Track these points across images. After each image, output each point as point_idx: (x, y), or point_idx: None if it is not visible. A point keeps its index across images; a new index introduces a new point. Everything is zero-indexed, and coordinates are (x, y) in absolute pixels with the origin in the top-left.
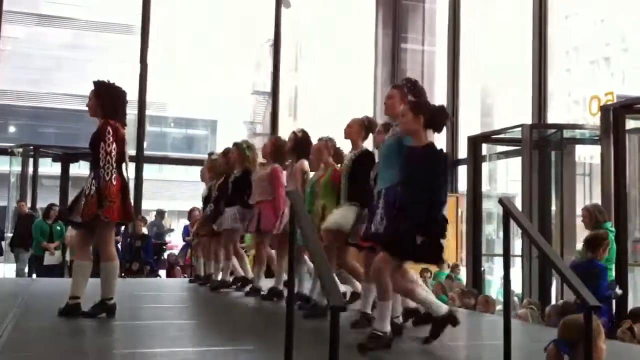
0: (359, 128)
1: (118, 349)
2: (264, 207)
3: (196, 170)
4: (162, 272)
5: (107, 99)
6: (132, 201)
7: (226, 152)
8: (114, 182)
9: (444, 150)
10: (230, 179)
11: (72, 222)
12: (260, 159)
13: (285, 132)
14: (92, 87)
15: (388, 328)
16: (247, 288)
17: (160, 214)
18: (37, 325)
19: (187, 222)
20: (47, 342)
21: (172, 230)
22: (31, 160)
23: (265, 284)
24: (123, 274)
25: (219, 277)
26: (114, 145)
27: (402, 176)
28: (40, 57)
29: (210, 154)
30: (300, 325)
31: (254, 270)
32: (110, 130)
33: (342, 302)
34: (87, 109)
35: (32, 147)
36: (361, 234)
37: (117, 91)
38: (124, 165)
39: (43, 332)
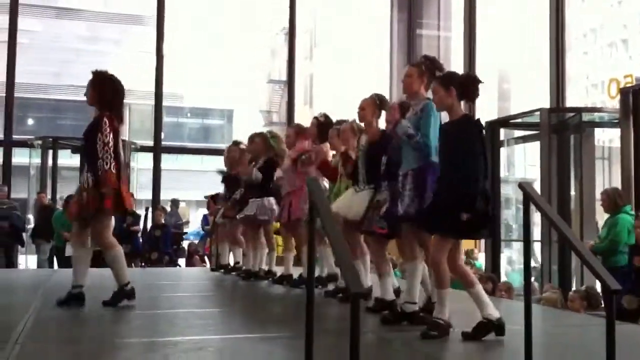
0: (372, 108)
1: (138, 338)
2: (294, 196)
3: (213, 159)
4: (181, 262)
5: (104, 90)
6: (130, 192)
7: (252, 138)
8: (114, 171)
9: (481, 121)
10: (255, 169)
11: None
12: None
13: (300, 120)
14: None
15: (447, 316)
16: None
17: (175, 203)
18: (58, 315)
19: (206, 212)
20: (68, 332)
21: (188, 222)
22: (50, 152)
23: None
24: (142, 264)
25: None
26: (111, 136)
27: (440, 152)
28: (58, 50)
29: (236, 142)
30: (324, 312)
31: (284, 259)
32: (107, 121)
33: (362, 289)
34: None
35: (51, 139)
36: (375, 223)
37: (115, 84)
38: (120, 157)
39: (64, 321)
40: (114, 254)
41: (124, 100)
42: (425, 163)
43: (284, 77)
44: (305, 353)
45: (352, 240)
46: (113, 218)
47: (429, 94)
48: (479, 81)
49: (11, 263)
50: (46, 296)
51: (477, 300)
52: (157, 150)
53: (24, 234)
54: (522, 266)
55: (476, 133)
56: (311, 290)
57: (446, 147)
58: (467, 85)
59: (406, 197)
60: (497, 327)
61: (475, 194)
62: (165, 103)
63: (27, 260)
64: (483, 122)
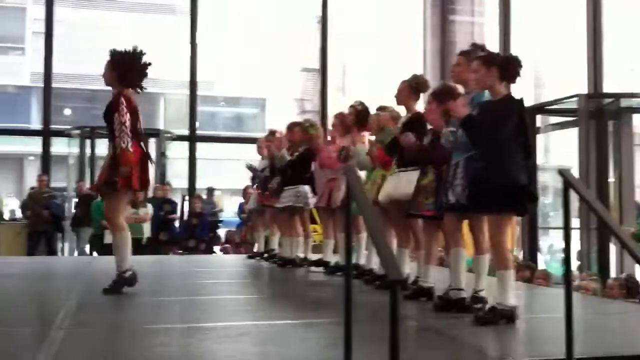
0: (408, 91)
1: (177, 324)
2: (335, 183)
3: (246, 148)
4: (217, 249)
5: (121, 69)
6: (151, 173)
7: (291, 127)
8: (131, 150)
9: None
10: (292, 157)
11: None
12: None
13: (334, 109)
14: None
15: (512, 301)
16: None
17: (210, 191)
18: (99, 302)
19: (242, 200)
20: (109, 318)
21: (221, 210)
22: (88, 141)
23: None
24: (180, 251)
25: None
26: (128, 116)
27: (482, 131)
28: (93, 40)
29: (272, 132)
30: (361, 299)
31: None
32: (124, 101)
33: (401, 276)
34: (142, 90)
35: (89, 129)
36: (422, 206)
37: (132, 58)
38: (140, 136)
39: (105, 308)
40: (120, 237)
41: (144, 75)
42: (474, 152)
43: (317, 65)
44: (345, 339)
45: (402, 225)
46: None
47: None
48: (519, 62)
49: (52, 250)
50: (87, 283)
51: (503, 285)
52: (193, 139)
53: (63, 222)
54: (559, 254)
55: (517, 112)
56: (349, 276)
57: (487, 126)
58: (508, 66)
59: (458, 187)
60: (510, 316)
61: (522, 170)
62: (199, 92)
63: (67, 248)
64: None
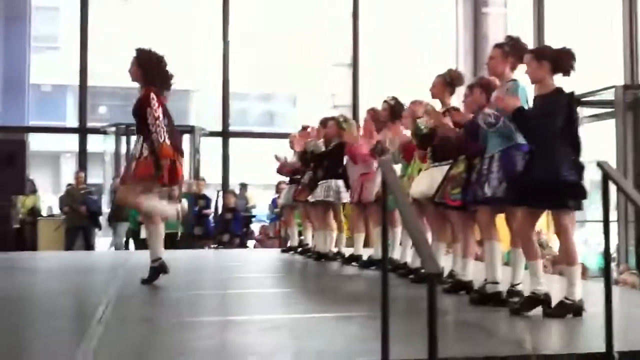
0: (443, 85)
1: (215, 316)
2: (366, 179)
3: (278, 143)
4: (251, 244)
5: (148, 67)
6: (181, 168)
7: (324, 122)
8: (168, 143)
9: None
10: (325, 150)
11: None
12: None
13: (365, 104)
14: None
15: (579, 295)
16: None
17: (243, 186)
18: (137, 295)
19: (275, 195)
20: (147, 311)
21: (254, 206)
22: (124, 138)
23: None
24: (214, 246)
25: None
26: (161, 110)
27: (531, 125)
28: (126, 37)
29: (305, 127)
30: (395, 293)
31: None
32: (154, 96)
33: (438, 269)
34: (171, 87)
35: (124, 126)
36: (448, 195)
37: (158, 61)
38: (171, 131)
39: (143, 302)
40: (152, 229)
41: (169, 84)
42: (510, 145)
43: (349, 60)
44: (382, 333)
45: (438, 219)
46: (185, 201)
47: (515, 75)
48: (573, 54)
49: (89, 245)
50: (125, 277)
51: (534, 274)
52: (226, 134)
53: (100, 217)
54: (595, 247)
55: (567, 106)
56: (386, 270)
57: (537, 121)
58: (560, 58)
59: (493, 180)
60: (545, 301)
61: (572, 164)
62: (231, 89)
63: (104, 243)
64: None
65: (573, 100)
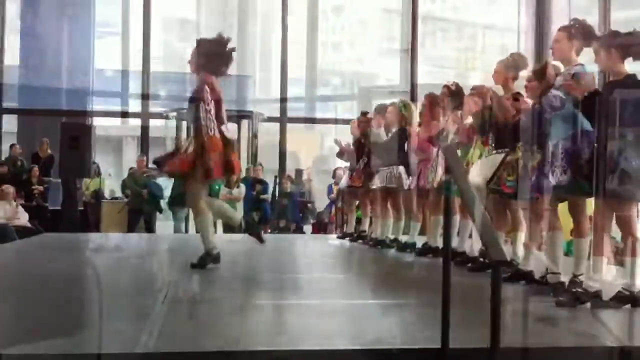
0: (505, 70)
1: (267, 300)
2: (424, 165)
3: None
4: (307, 229)
5: (207, 56)
6: (234, 158)
7: (384, 108)
8: (218, 136)
9: None
10: (387, 138)
11: None
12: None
13: (423, 89)
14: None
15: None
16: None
17: (299, 172)
18: (197, 278)
19: (331, 181)
20: (208, 294)
21: (310, 191)
22: (184, 123)
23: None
24: (271, 231)
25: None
26: (213, 104)
27: (600, 114)
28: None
29: (365, 113)
30: (455, 282)
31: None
32: (208, 89)
33: (504, 257)
34: (228, 73)
35: (185, 111)
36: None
37: (218, 45)
38: (223, 126)
39: (203, 284)
40: (200, 220)
41: (230, 60)
42: (576, 132)
43: (406, 45)
44: (442, 321)
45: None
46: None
47: (580, 59)
48: None
49: (150, 228)
50: (186, 260)
51: (596, 269)
52: (283, 120)
53: (161, 201)
54: None
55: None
56: (448, 258)
57: (606, 109)
58: (631, 43)
59: (558, 169)
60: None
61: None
62: (289, 75)
63: (164, 226)
64: None
65: None
